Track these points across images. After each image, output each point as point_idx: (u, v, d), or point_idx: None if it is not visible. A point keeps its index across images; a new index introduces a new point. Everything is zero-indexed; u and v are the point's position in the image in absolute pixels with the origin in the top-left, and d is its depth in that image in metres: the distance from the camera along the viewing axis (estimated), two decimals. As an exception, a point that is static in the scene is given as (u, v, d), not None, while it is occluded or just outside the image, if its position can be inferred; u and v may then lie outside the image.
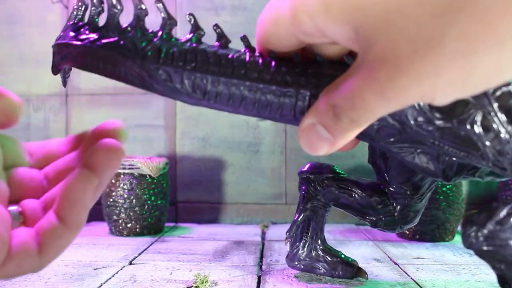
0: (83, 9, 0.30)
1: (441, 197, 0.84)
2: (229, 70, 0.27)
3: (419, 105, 0.31)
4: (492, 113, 0.31)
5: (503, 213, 0.35)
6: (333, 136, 0.21)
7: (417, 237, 0.85)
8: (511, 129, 0.31)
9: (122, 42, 0.27)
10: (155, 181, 0.92)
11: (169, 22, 0.28)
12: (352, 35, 0.19)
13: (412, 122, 0.32)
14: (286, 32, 0.22)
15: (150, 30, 0.28)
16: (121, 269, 0.63)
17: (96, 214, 1.08)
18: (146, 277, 0.59)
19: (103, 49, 0.27)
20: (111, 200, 0.91)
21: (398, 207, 0.52)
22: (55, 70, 0.31)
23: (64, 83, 0.32)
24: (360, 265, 0.59)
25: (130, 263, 0.67)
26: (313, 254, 0.57)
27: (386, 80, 0.18)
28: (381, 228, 0.54)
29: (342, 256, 0.58)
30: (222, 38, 0.28)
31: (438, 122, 0.32)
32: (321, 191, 0.56)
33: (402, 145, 0.36)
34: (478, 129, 0.31)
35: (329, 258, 0.57)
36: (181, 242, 0.84)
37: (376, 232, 0.93)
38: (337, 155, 1.06)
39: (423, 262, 0.68)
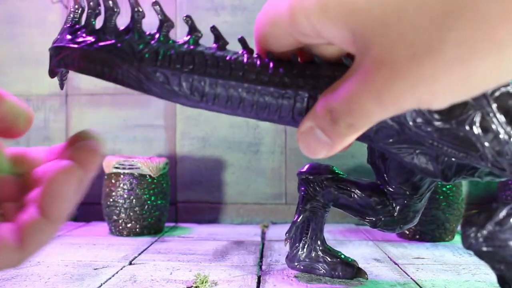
0: (79, 11, 0.30)
1: (441, 197, 0.84)
2: (227, 72, 0.27)
3: None
4: (491, 114, 0.31)
5: (502, 213, 0.35)
6: (332, 140, 0.21)
7: (417, 237, 0.85)
8: (510, 130, 0.31)
9: (119, 44, 0.27)
10: (155, 181, 0.92)
11: (166, 24, 0.28)
12: (349, 37, 0.19)
13: (411, 123, 0.32)
14: (284, 32, 0.22)
15: (147, 33, 0.28)
16: (121, 269, 0.63)
17: (96, 214, 1.08)
18: (146, 277, 0.59)
19: (100, 52, 0.27)
20: (111, 200, 0.91)
21: (398, 207, 0.52)
22: (52, 73, 0.31)
23: (61, 86, 0.32)
24: (360, 265, 0.59)
25: (130, 263, 0.67)
26: (313, 255, 0.57)
27: (383, 84, 0.18)
28: (381, 228, 0.53)
29: (342, 256, 0.58)
30: (220, 40, 0.28)
31: (437, 123, 0.32)
32: (320, 191, 0.56)
33: (401, 146, 0.36)
34: (477, 130, 0.31)
35: (329, 259, 0.57)
36: (181, 242, 0.84)
37: (376, 232, 0.93)
38: (337, 156, 1.06)
39: (423, 262, 0.68)
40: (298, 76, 0.27)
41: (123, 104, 1.13)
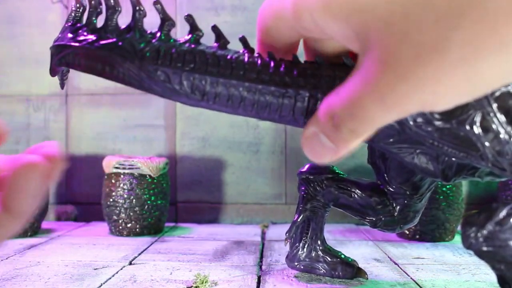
0: (81, 10, 0.30)
1: (441, 197, 0.84)
2: (227, 71, 0.27)
3: None
4: (492, 114, 0.31)
5: (502, 213, 0.35)
6: (336, 145, 0.21)
7: (417, 237, 0.85)
8: (510, 130, 0.31)
9: (120, 43, 0.27)
10: (155, 181, 0.92)
11: (167, 23, 0.28)
12: (352, 35, 0.19)
13: (411, 123, 0.32)
14: (287, 25, 0.22)
15: (148, 31, 0.28)
16: (121, 269, 0.63)
17: (96, 214, 1.08)
18: (146, 277, 0.59)
19: (102, 51, 0.27)
20: (111, 200, 0.91)
21: (398, 207, 0.52)
22: (53, 72, 0.31)
23: (62, 85, 0.32)
24: (360, 265, 0.59)
25: (130, 263, 0.67)
26: (313, 255, 0.57)
27: (386, 85, 0.18)
28: (381, 228, 0.53)
29: (342, 256, 0.58)
30: (221, 39, 0.28)
31: (437, 123, 0.32)
32: (321, 191, 0.56)
33: (402, 145, 0.36)
34: (477, 129, 0.31)
35: (329, 259, 0.57)
36: (181, 242, 0.84)
37: (376, 232, 0.93)
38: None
39: (423, 262, 0.68)
40: (299, 76, 0.27)
41: (123, 104, 1.13)
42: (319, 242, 0.57)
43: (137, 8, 0.28)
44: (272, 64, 0.27)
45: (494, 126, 0.31)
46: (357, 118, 0.19)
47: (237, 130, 1.11)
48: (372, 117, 0.19)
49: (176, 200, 1.11)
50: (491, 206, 0.36)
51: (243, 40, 0.28)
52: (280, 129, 1.10)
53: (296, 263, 0.58)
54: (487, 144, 0.31)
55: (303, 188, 0.58)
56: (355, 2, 0.18)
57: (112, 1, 0.28)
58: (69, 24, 0.29)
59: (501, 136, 0.31)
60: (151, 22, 0.33)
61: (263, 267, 0.65)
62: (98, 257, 0.71)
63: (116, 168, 0.91)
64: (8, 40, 1.14)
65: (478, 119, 0.31)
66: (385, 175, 0.51)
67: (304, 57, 0.27)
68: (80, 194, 1.13)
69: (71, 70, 0.31)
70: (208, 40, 0.29)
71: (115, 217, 0.91)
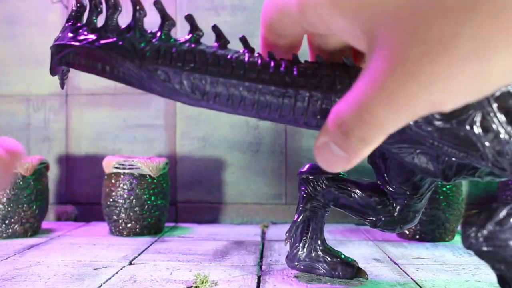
0: (81, 10, 0.30)
1: (441, 197, 0.84)
2: (228, 71, 0.27)
3: None
4: (492, 114, 0.31)
5: (502, 213, 0.35)
6: (347, 154, 0.20)
7: (417, 237, 0.85)
8: (511, 130, 0.31)
9: (120, 42, 0.27)
10: (155, 181, 0.92)
11: (167, 22, 0.28)
12: (358, 33, 0.18)
13: (411, 122, 0.32)
14: (291, 20, 0.22)
15: (148, 31, 0.28)
16: (121, 269, 0.63)
17: (96, 214, 1.08)
18: (146, 277, 0.59)
19: (102, 50, 0.27)
20: (111, 200, 0.91)
21: (398, 207, 0.52)
22: (53, 71, 0.31)
23: (62, 85, 0.32)
24: (360, 265, 0.59)
25: (130, 263, 0.67)
26: (313, 255, 0.57)
27: (395, 86, 0.17)
28: (381, 228, 0.53)
29: (342, 256, 0.58)
30: (221, 38, 0.28)
31: (437, 123, 0.32)
32: (321, 191, 0.56)
33: (402, 145, 0.36)
34: (477, 129, 0.31)
35: (329, 259, 0.57)
36: (181, 242, 0.84)
37: (376, 232, 0.93)
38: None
39: (423, 262, 0.68)
40: (299, 75, 0.27)
41: (123, 104, 1.13)
42: (319, 242, 0.57)
43: (138, 7, 0.28)
44: (272, 63, 0.27)
45: (494, 126, 0.31)
46: (365, 124, 0.18)
47: (237, 130, 1.11)
48: (380, 122, 0.18)
49: (176, 200, 1.11)
50: (491, 206, 0.36)
51: (243, 40, 0.28)
52: (280, 129, 1.10)
53: (296, 263, 0.58)
54: (487, 144, 0.32)
55: (303, 188, 0.58)
56: None
57: (112, 0, 0.28)
58: (70, 23, 0.29)
59: (501, 136, 0.31)
60: (151, 22, 0.33)
61: (263, 267, 0.65)
62: (98, 257, 0.71)
63: (116, 168, 0.91)
64: (8, 40, 1.14)
65: (478, 119, 0.31)
66: (385, 175, 0.51)
67: (306, 56, 0.27)
68: (80, 194, 1.13)
69: (71, 70, 0.31)
70: (208, 40, 0.29)
71: (115, 217, 0.91)
